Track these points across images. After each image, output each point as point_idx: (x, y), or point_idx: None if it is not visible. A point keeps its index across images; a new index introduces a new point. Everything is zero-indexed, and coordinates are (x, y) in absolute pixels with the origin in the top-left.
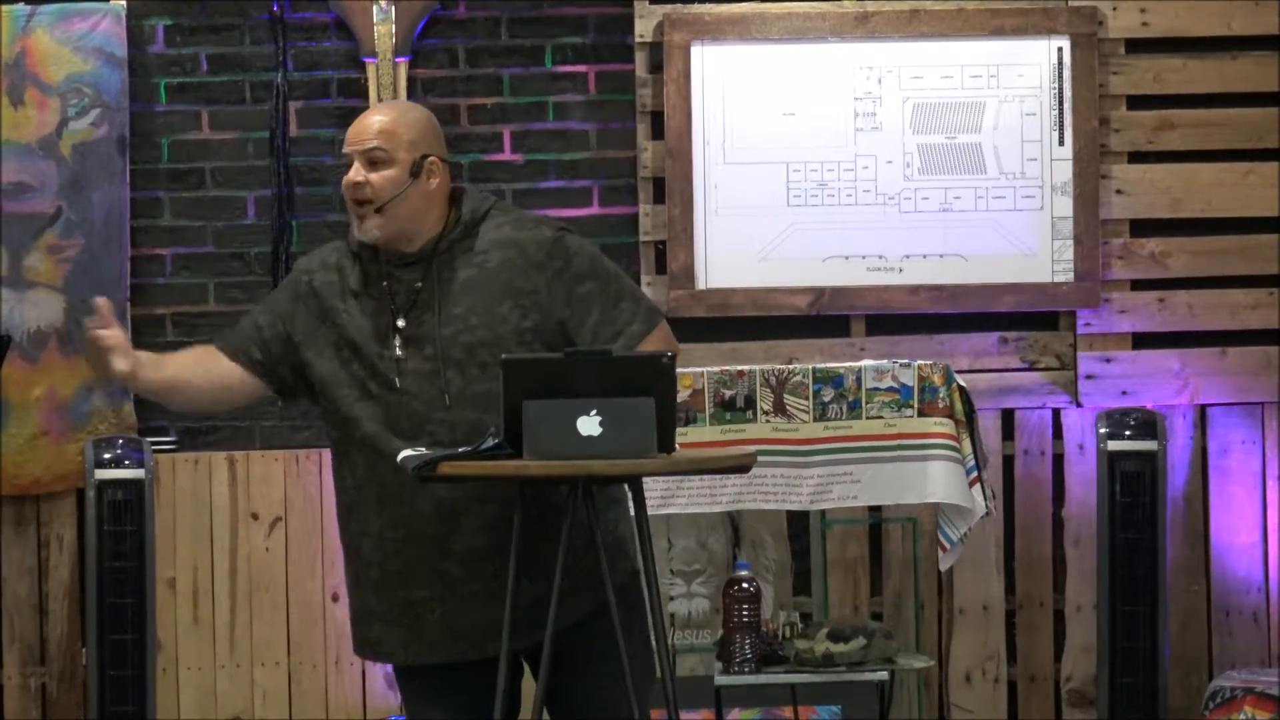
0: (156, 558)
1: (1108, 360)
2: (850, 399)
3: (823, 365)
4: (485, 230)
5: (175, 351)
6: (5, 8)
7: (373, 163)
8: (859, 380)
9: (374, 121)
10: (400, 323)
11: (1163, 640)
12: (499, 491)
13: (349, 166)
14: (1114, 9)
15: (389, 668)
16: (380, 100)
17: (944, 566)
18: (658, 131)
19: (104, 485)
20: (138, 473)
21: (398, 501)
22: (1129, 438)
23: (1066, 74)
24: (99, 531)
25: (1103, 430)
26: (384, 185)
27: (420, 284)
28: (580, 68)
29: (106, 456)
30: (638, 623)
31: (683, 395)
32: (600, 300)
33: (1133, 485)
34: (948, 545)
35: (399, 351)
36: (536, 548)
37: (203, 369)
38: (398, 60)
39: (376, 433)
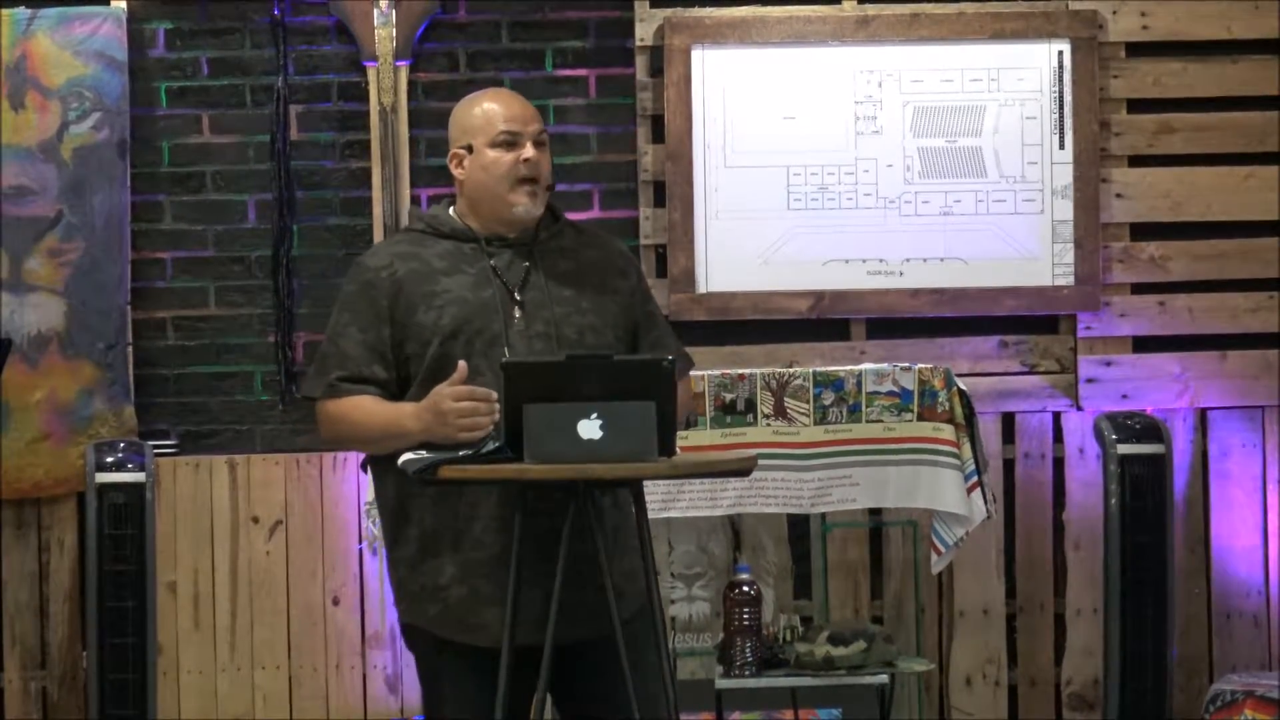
0: (157, 561)
1: (1108, 364)
2: (850, 402)
3: (823, 369)
4: (567, 231)
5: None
6: (6, 11)
7: (538, 144)
8: (859, 384)
9: (531, 107)
10: (517, 295)
11: (1170, 643)
12: None
13: (506, 146)
14: (1114, 12)
15: (389, 669)
16: (381, 104)
17: (935, 569)
18: (658, 135)
19: (105, 489)
20: (138, 476)
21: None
22: (1134, 441)
23: (1067, 77)
24: (100, 535)
25: (1110, 434)
26: (549, 167)
27: (528, 264)
28: (581, 71)
29: (107, 460)
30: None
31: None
32: (659, 325)
33: (1139, 488)
34: (942, 549)
35: (518, 321)
36: (596, 542)
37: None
38: (398, 64)
39: None
